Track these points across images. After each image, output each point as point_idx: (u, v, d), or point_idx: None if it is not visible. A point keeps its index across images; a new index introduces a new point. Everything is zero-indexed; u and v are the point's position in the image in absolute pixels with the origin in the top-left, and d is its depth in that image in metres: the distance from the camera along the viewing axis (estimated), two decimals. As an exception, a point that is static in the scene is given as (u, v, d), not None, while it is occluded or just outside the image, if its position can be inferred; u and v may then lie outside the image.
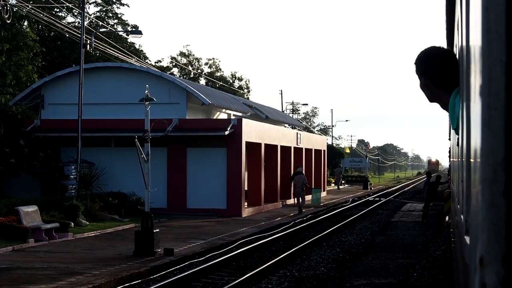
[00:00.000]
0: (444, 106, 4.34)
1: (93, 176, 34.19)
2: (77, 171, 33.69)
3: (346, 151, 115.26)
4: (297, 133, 52.92)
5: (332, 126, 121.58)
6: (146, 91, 22.43)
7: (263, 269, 19.02)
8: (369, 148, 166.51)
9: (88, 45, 35.35)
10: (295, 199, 42.89)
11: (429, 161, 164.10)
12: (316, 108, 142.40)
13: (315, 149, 58.46)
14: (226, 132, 36.57)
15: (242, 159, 37.47)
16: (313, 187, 51.43)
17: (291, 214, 39.24)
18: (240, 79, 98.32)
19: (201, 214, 36.40)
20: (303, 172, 44.91)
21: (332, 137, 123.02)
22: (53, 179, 36.76)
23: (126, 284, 16.85)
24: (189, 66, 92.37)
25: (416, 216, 39.60)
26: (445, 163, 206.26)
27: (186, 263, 20.24)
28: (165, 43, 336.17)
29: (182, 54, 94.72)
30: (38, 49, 51.26)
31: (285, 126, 59.15)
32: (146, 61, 67.63)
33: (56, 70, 46.39)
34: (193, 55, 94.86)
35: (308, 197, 44.65)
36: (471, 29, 2.57)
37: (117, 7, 69.23)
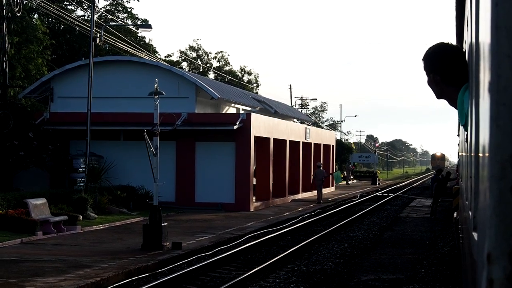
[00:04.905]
0: (452, 103, 4.33)
1: (102, 170, 34.23)
2: (86, 164, 33.72)
3: (353, 147, 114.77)
4: (306, 128, 52.89)
5: (341, 121, 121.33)
6: (156, 85, 22.45)
7: (271, 263, 19.03)
8: (378, 144, 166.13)
9: (97, 39, 35.38)
10: (316, 190, 46.40)
11: (433, 156, 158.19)
12: (325, 103, 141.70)
13: (323, 144, 58.43)
14: (235, 127, 36.56)
15: (250, 153, 37.47)
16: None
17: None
18: (249, 74, 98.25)
19: (209, 208, 36.45)
20: (321, 167, 48.08)
21: (341, 132, 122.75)
22: (62, 172, 36.81)
23: (134, 278, 16.89)
24: (198, 60, 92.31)
25: (424, 212, 39.54)
26: (453, 159, 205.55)
27: (194, 257, 20.27)
28: (175, 37, 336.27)
29: (191, 48, 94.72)
30: (47, 42, 51.37)
31: (294, 121, 59.08)
32: (156, 55, 67.67)
33: (66, 63, 46.44)
34: (203, 49, 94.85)
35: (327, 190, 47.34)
36: (480, 25, 2.56)
37: (127, 1, 69.30)
